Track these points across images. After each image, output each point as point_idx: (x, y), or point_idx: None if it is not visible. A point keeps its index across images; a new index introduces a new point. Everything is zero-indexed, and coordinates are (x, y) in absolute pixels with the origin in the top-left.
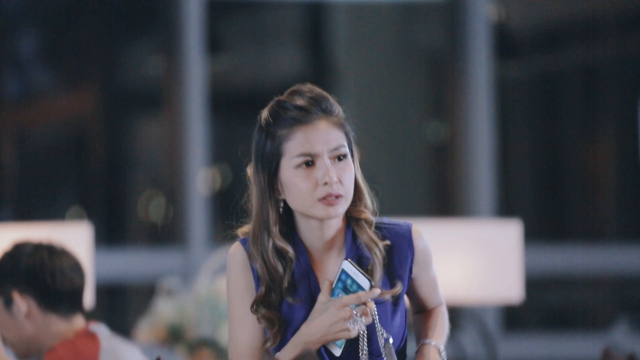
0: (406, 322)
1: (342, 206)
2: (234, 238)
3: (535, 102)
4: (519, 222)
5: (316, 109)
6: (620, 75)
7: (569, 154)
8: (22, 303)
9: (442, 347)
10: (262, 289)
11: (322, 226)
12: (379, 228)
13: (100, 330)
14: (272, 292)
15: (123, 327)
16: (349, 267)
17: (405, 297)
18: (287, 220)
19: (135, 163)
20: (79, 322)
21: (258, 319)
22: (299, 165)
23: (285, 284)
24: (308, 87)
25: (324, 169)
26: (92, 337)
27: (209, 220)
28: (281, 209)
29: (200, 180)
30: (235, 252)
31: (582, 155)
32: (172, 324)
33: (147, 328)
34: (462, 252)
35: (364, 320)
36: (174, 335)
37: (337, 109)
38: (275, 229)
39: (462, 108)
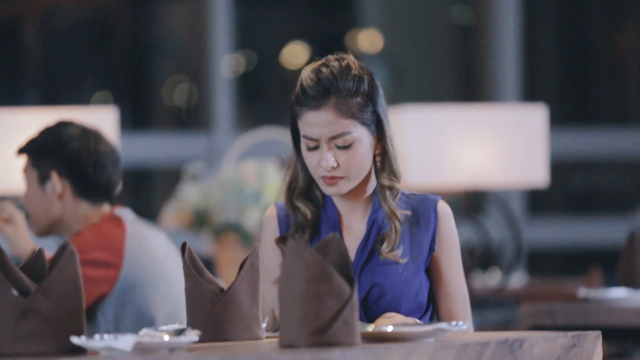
0: (424, 295)
1: (345, 186)
2: (258, 122)
3: None
4: (544, 106)
5: (324, 97)
6: None
7: (594, 37)
8: (58, 184)
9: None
10: (292, 230)
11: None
12: (407, 198)
13: (126, 215)
14: (300, 230)
15: (148, 212)
16: None
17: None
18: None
19: (161, 47)
20: (105, 208)
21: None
22: (305, 144)
23: (311, 229)
24: (328, 69)
25: (320, 155)
26: (117, 221)
27: (234, 104)
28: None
29: (225, 64)
30: (269, 213)
31: (608, 39)
32: (197, 208)
33: (173, 213)
34: (487, 136)
35: None
36: (199, 220)
37: (357, 86)
38: (302, 195)
39: None
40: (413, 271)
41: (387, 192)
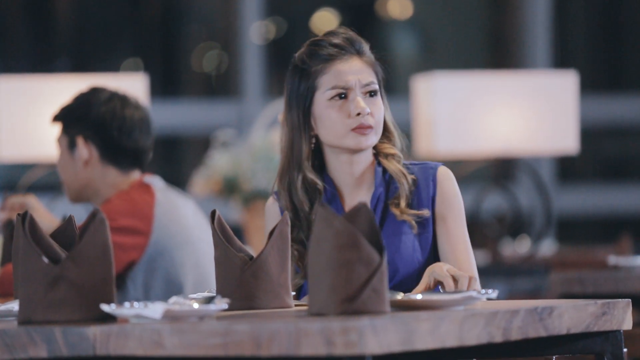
0: (425, 261)
1: (373, 138)
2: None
3: None
4: (575, 73)
5: (350, 48)
6: None
7: (625, 4)
8: (84, 150)
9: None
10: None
11: (352, 160)
12: (407, 167)
13: (155, 182)
14: (296, 228)
15: (178, 179)
16: None
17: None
18: (318, 159)
19: (191, 14)
20: (135, 175)
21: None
22: (332, 97)
23: (313, 218)
24: (343, 29)
25: (356, 101)
26: (147, 189)
27: (263, 71)
28: (313, 145)
29: (255, 31)
30: (270, 202)
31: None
32: (227, 176)
33: (202, 180)
34: (517, 103)
35: None
36: (229, 188)
37: (369, 52)
38: (307, 163)
39: None
40: (421, 243)
41: (392, 158)
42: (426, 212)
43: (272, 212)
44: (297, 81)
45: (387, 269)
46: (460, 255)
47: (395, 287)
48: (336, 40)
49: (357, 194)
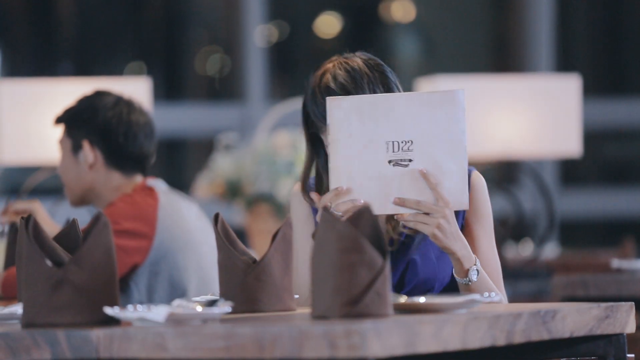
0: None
1: None
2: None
3: None
4: (578, 77)
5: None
6: None
7: (629, 7)
8: (90, 154)
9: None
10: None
11: None
12: None
13: (158, 185)
14: None
15: (181, 183)
16: None
17: None
18: None
19: (194, 17)
20: (138, 179)
21: None
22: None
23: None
24: (345, 68)
25: None
26: (150, 192)
27: (266, 75)
28: None
29: (258, 34)
30: (296, 188)
31: None
32: (230, 179)
33: (206, 183)
34: (520, 107)
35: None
36: (232, 191)
37: (372, 90)
38: None
39: None
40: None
41: None
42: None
43: (298, 198)
44: (304, 114)
45: (409, 267)
46: (486, 263)
47: (418, 286)
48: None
49: None
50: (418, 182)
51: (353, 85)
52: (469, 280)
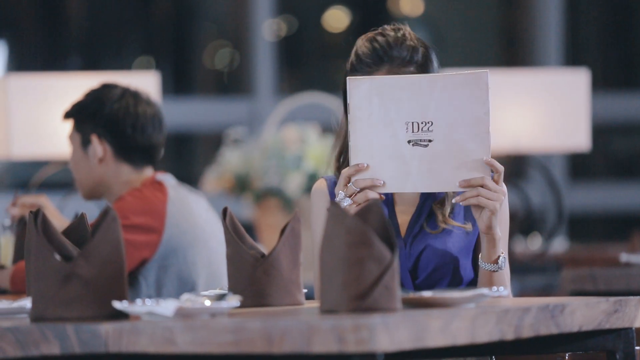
0: (469, 262)
1: None
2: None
3: None
4: (587, 71)
5: (382, 63)
6: None
7: (637, 1)
8: (99, 147)
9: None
10: None
11: None
12: None
13: (167, 179)
14: None
15: (190, 177)
16: None
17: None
18: None
19: (203, 12)
20: (148, 172)
21: None
22: None
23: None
24: (388, 34)
25: None
26: (159, 186)
27: (275, 69)
28: None
29: (267, 28)
30: (318, 184)
31: None
32: (238, 173)
33: (214, 178)
34: (529, 101)
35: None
36: (241, 185)
37: (410, 56)
38: None
39: None
40: (465, 244)
41: None
42: (469, 227)
43: (320, 196)
44: (343, 82)
45: (427, 255)
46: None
47: (429, 276)
48: (366, 56)
49: None
50: (437, 162)
51: (394, 43)
52: (499, 268)
